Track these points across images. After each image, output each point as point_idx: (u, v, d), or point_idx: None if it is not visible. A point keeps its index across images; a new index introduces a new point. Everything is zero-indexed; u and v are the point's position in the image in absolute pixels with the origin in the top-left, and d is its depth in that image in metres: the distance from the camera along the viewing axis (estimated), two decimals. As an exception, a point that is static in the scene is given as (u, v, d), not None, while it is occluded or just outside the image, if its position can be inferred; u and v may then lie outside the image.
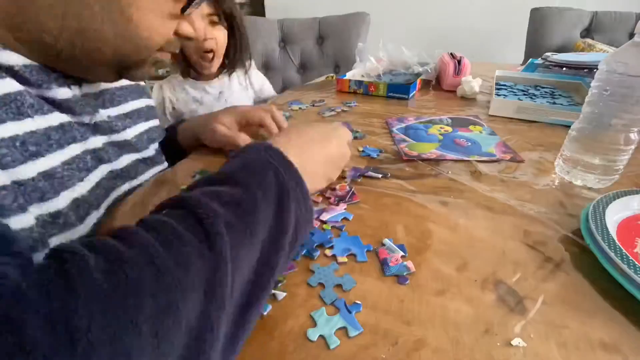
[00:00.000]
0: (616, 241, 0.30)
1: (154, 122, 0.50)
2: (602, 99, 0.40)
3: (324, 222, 0.38)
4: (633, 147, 0.41)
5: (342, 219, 0.39)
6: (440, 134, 0.60)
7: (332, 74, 1.19)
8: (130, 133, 0.43)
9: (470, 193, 0.43)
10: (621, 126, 0.40)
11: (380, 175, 0.47)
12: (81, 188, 0.33)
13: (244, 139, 0.51)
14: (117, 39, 0.29)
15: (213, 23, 0.78)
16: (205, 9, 0.75)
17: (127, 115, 0.44)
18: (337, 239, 0.36)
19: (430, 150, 0.54)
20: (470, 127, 0.63)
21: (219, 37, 0.80)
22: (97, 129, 0.37)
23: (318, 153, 0.37)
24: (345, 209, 0.40)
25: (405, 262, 0.32)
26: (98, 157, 0.36)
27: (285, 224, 0.26)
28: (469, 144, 0.56)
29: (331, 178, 0.41)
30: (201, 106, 0.91)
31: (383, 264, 0.32)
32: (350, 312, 0.27)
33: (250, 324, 0.23)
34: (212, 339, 0.18)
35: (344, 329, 0.26)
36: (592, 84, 0.42)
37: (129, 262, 0.17)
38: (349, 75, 0.95)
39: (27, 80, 0.29)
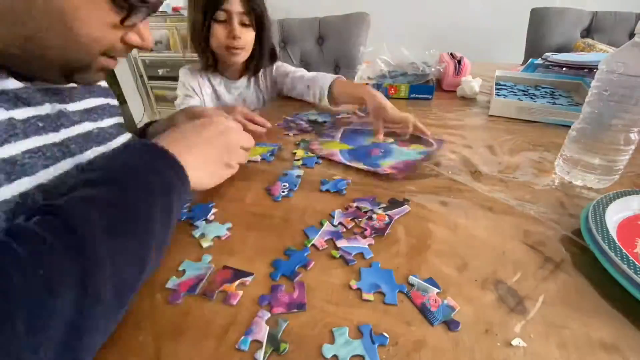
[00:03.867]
0: (616, 241, 0.30)
1: (119, 119, 0.52)
2: (602, 99, 0.40)
3: (335, 248, 0.35)
4: (633, 147, 0.41)
5: (355, 254, 0.34)
6: (371, 141, 0.59)
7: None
8: (93, 126, 0.44)
9: (470, 193, 0.43)
10: (621, 126, 0.40)
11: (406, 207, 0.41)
12: (46, 175, 0.35)
13: None
14: (60, 46, 0.32)
15: (243, 24, 0.81)
16: (237, 7, 0.78)
17: (88, 111, 0.45)
18: (365, 269, 0.32)
19: (333, 149, 0.56)
20: (412, 145, 0.58)
21: (247, 37, 0.83)
22: (59, 121, 0.39)
23: (205, 154, 0.39)
24: (370, 244, 0.35)
25: (446, 300, 0.28)
26: (63, 150, 0.38)
27: (168, 219, 0.31)
28: (381, 152, 0.55)
29: (221, 176, 0.43)
30: (219, 102, 0.95)
31: (424, 310, 0.27)
32: (374, 342, 0.25)
33: (127, 301, 0.27)
34: (88, 327, 0.22)
35: (361, 357, 0.24)
36: (592, 84, 0.42)
37: None
38: (358, 79, 0.93)
39: None
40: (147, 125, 0.62)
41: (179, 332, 0.26)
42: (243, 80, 0.96)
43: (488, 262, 0.32)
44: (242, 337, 0.26)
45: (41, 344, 0.20)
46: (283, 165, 0.52)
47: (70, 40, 0.32)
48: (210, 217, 0.40)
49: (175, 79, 0.94)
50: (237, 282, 0.31)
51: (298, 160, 0.53)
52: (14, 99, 0.34)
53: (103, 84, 0.52)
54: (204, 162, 0.39)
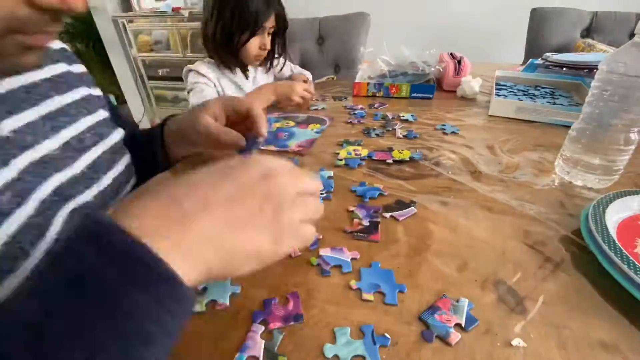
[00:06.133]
0: (616, 241, 0.30)
1: (97, 117, 0.41)
2: (602, 99, 0.40)
3: (317, 255, 0.34)
4: (633, 147, 0.41)
5: (333, 266, 0.32)
6: (276, 128, 0.68)
7: (332, 75, 1.19)
8: (53, 144, 0.34)
9: (470, 193, 0.43)
10: (621, 126, 0.40)
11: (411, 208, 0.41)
12: (6, 229, 0.27)
13: (226, 135, 0.39)
14: None
15: (269, 34, 0.89)
16: (271, 22, 0.86)
17: (45, 119, 0.34)
18: (365, 269, 0.32)
19: None
20: (310, 125, 0.68)
21: (269, 43, 0.91)
22: (5, 149, 0.29)
23: (230, 216, 0.21)
24: (352, 258, 0.33)
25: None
26: (17, 191, 0.29)
27: None
28: (286, 135, 0.64)
29: (263, 256, 0.22)
30: (240, 91, 0.97)
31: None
32: (375, 343, 0.25)
33: None
34: None
35: (362, 357, 0.24)
36: (592, 84, 0.42)
37: None
38: (359, 78, 0.93)
39: None
40: (165, 120, 0.48)
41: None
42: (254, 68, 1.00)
43: (488, 262, 0.32)
44: (237, 355, 0.25)
45: None
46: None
47: None
48: None
49: (175, 79, 0.95)
50: None
51: (341, 160, 0.53)
52: None
53: (78, 68, 0.42)
54: (227, 228, 0.21)
